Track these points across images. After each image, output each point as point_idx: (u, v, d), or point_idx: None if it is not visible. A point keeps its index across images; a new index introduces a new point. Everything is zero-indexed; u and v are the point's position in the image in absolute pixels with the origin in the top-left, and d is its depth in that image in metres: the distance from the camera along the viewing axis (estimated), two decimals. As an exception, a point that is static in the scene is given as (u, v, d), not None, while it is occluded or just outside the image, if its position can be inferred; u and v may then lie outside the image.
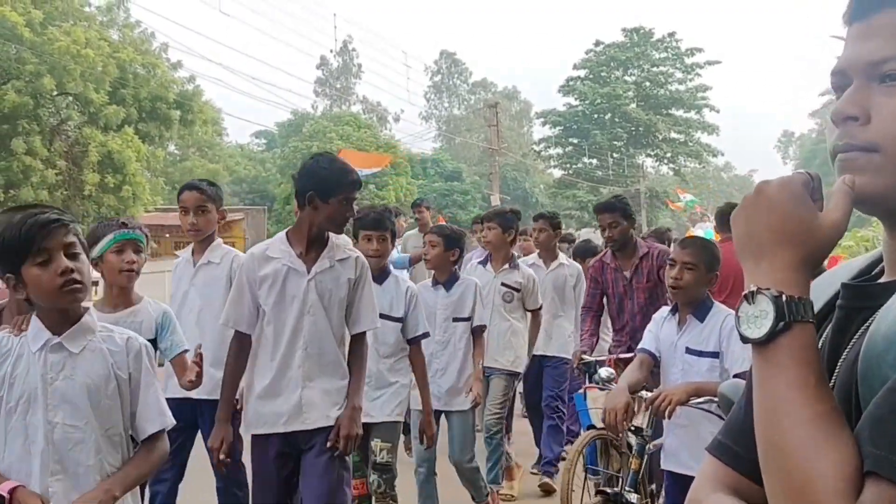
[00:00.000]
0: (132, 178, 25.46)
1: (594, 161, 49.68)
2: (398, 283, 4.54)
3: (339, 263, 3.61)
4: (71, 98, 25.46)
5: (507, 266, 5.98)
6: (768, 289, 0.95)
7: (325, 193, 3.49)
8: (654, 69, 50.24)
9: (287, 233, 3.67)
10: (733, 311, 3.36)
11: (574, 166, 50.19)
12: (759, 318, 0.94)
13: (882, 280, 1.05)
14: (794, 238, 0.96)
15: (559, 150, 51.22)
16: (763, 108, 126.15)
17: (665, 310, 3.95)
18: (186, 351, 3.74)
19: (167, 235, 30.54)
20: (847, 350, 1.00)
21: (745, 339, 0.97)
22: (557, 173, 53.33)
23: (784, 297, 0.93)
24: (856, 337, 0.99)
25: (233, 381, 3.64)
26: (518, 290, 5.93)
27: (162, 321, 3.74)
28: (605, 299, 5.81)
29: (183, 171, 41.12)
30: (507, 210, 6.47)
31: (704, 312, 3.71)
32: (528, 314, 6.03)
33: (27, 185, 23.48)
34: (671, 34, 49.80)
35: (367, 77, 63.30)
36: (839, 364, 1.00)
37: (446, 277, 5.12)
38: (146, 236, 3.76)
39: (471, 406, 5.04)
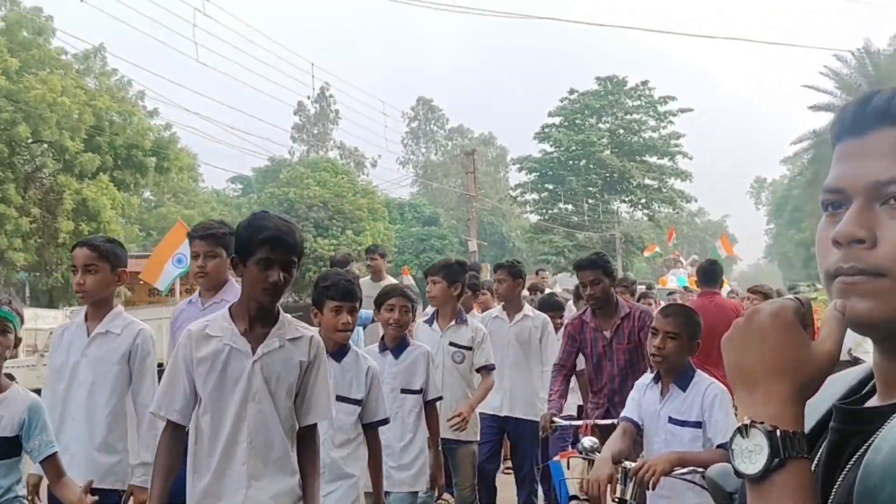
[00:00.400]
0: (107, 226, 25.28)
1: (570, 207, 50.04)
2: (358, 361, 4.03)
3: (289, 343, 3.14)
4: (46, 146, 25.35)
5: (454, 322, 5.46)
6: (762, 423, 0.93)
7: (243, 256, 3.05)
8: (628, 117, 50.93)
9: (230, 307, 3.22)
10: (715, 381, 3.34)
11: (550, 212, 50.52)
12: (754, 452, 0.93)
13: (874, 403, 1.04)
14: (787, 370, 0.94)
15: (535, 196, 51.59)
16: (735, 154, 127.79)
17: (647, 377, 3.92)
18: (56, 452, 3.29)
19: (141, 283, 30.28)
20: (841, 477, 0.98)
21: (738, 474, 0.95)
22: (534, 218, 53.66)
23: (779, 433, 0.92)
24: (850, 463, 0.97)
25: (163, 481, 3.09)
26: (469, 349, 5.43)
27: (29, 417, 3.22)
28: (582, 359, 5.56)
29: (158, 218, 40.95)
30: (452, 262, 5.85)
31: (687, 381, 3.69)
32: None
33: (1, 232, 23.27)
34: (644, 83, 50.57)
35: (344, 123, 63.59)
36: (834, 491, 0.98)
37: (395, 343, 4.69)
38: (18, 316, 3.25)
39: (426, 490, 4.67)
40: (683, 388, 3.68)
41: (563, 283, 22.14)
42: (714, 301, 7.40)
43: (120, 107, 27.18)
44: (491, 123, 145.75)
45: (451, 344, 5.44)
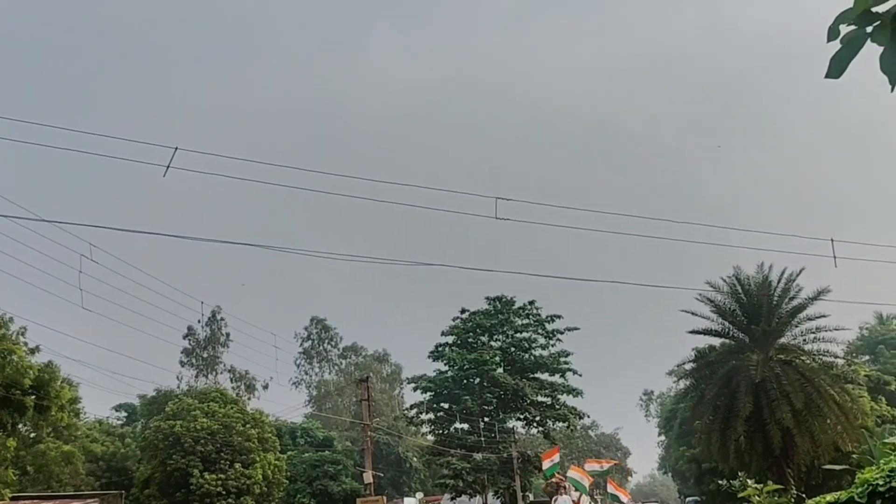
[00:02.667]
0: (-24, 474, 23.84)
1: (466, 426, 49.85)
2: None
3: None
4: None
5: None
6: None
7: None
8: (518, 335, 52.13)
9: None
10: None
11: (446, 431, 50.14)
12: None
13: None
14: None
15: (431, 416, 51.30)
16: (623, 369, 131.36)
17: None
18: None
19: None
20: None
21: None
22: (431, 438, 53.08)
23: None
24: None
25: None
26: None
27: None
28: None
29: (36, 455, 38.78)
30: None
31: None
32: None
33: None
34: (531, 302, 52.25)
35: (234, 346, 62.97)
36: None
37: None
38: None
39: None
40: None
41: None
42: None
43: (0, 345, 26.38)
44: (385, 341, 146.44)
45: None
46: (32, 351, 28.73)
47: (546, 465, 25.20)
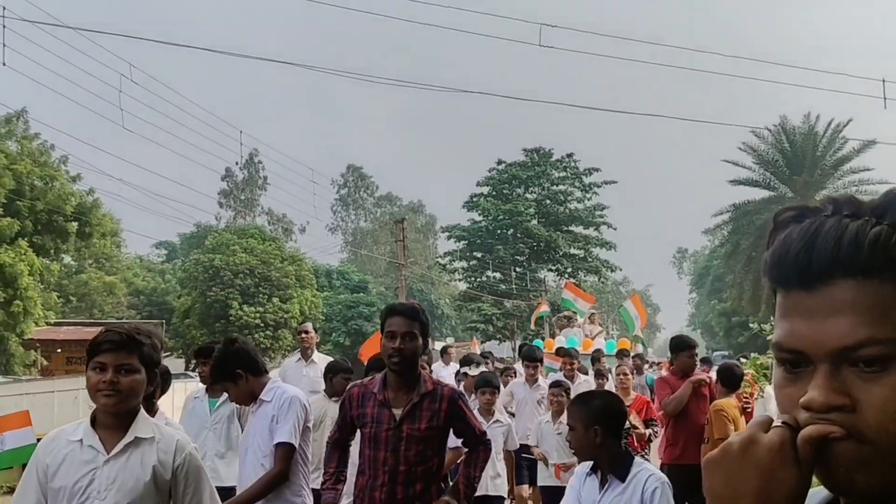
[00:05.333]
0: (24, 293, 24.57)
1: (498, 275, 50.43)
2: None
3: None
4: (-37, 209, 24.71)
5: None
6: None
7: None
8: (554, 188, 51.87)
9: None
10: (655, 471, 3.34)
11: (478, 279, 50.81)
12: None
13: None
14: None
15: (464, 264, 51.91)
16: (658, 225, 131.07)
17: (586, 465, 3.80)
18: None
19: (59, 350, 29.42)
20: None
21: None
22: (462, 286, 53.91)
23: None
24: None
25: None
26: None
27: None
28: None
29: (79, 284, 39.98)
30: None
31: (625, 471, 3.61)
32: None
33: None
34: (569, 155, 51.69)
35: (272, 190, 63.50)
36: None
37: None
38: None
39: None
40: (622, 478, 3.59)
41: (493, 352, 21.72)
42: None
43: (42, 171, 26.70)
44: (420, 192, 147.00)
45: None
46: (74, 178, 29.11)
47: (567, 295, 23.23)
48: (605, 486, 3.61)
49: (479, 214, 51.03)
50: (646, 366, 13.71)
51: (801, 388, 0.95)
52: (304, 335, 8.86)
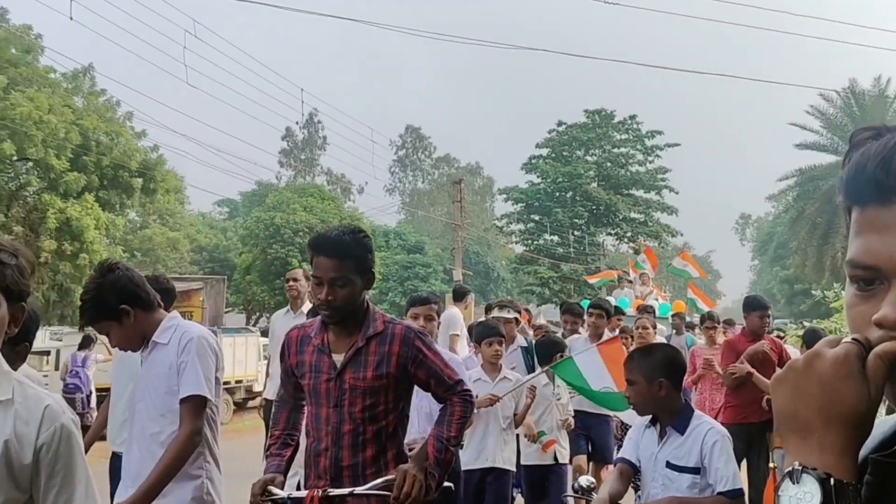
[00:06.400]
0: (90, 246, 25.13)
1: (555, 238, 50.15)
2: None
3: None
4: (31, 164, 25.23)
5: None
6: (815, 469, 0.89)
7: None
8: (615, 150, 51.21)
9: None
10: (715, 424, 3.26)
11: (535, 242, 50.60)
12: (803, 500, 0.89)
13: None
14: (846, 421, 0.90)
15: (521, 227, 51.70)
16: (721, 190, 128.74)
17: (644, 418, 3.77)
18: None
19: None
20: None
21: None
22: (519, 249, 53.77)
23: (832, 482, 0.88)
24: None
25: None
26: None
27: None
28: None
29: (143, 239, 40.78)
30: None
31: (684, 424, 3.56)
32: None
33: (-19, 250, 23.07)
34: (632, 117, 50.93)
35: (331, 150, 63.85)
36: None
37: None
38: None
39: None
40: (681, 431, 3.55)
41: (547, 315, 21.49)
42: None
43: (107, 127, 27.09)
44: (478, 153, 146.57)
45: None
46: (139, 135, 29.51)
47: (594, 281, 22.74)
48: (664, 439, 3.58)
49: (538, 176, 50.68)
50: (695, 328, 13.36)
51: (874, 306, 0.92)
52: (291, 283, 7.73)
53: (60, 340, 21.62)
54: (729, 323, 13.43)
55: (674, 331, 12.92)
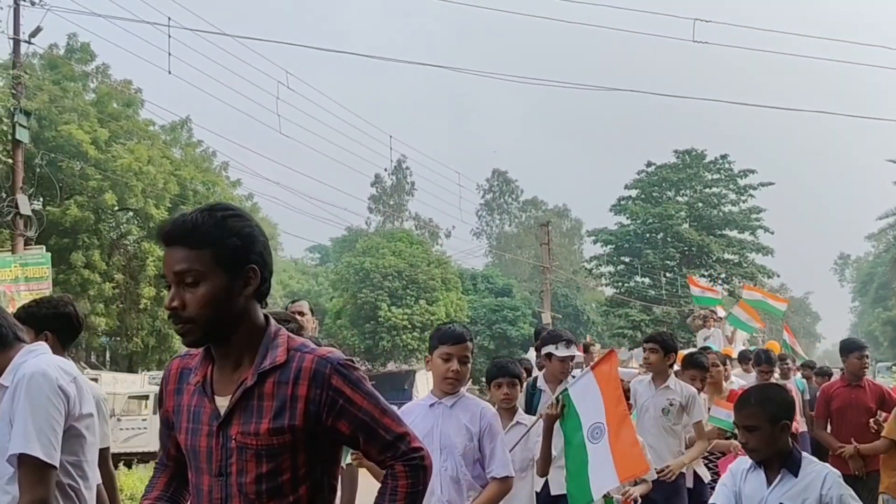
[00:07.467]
0: (186, 293, 25.73)
1: (646, 280, 49.26)
2: None
3: None
4: (132, 213, 26.11)
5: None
6: None
7: None
8: (707, 190, 50.21)
9: None
10: (831, 468, 3.02)
11: (626, 285, 49.79)
12: None
13: None
14: None
15: (611, 269, 51.00)
16: (819, 230, 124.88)
17: (745, 462, 3.59)
18: None
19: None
20: None
21: None
22: (609, 291, 52.97)
23: None
24: None
25: None
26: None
27: None
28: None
29: (237, 285, 41.69)
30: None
31: (796, 466, 3.43)
32: None
33: (84, 297, 23.86)
34: (723, 156, 49.94)
35: (419, 195, 64.45)
36: None
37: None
38: None
39: None
40: (794, 472, 3.42)
41: (639, 358, 20.56)
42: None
43: (204, 177, 27.90)
44: (565, 196, 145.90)
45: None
46: (234, 184, 30.31)
47: (696, 291, 20.95)
48: (776, 481, 3.43)
49: (627, 218, 50.03)
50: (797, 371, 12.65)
51: None
52: (297, 317, 5.68)
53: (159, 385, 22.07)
54: (823, 374, 12.70)
55: (779, 375, 12.29)
